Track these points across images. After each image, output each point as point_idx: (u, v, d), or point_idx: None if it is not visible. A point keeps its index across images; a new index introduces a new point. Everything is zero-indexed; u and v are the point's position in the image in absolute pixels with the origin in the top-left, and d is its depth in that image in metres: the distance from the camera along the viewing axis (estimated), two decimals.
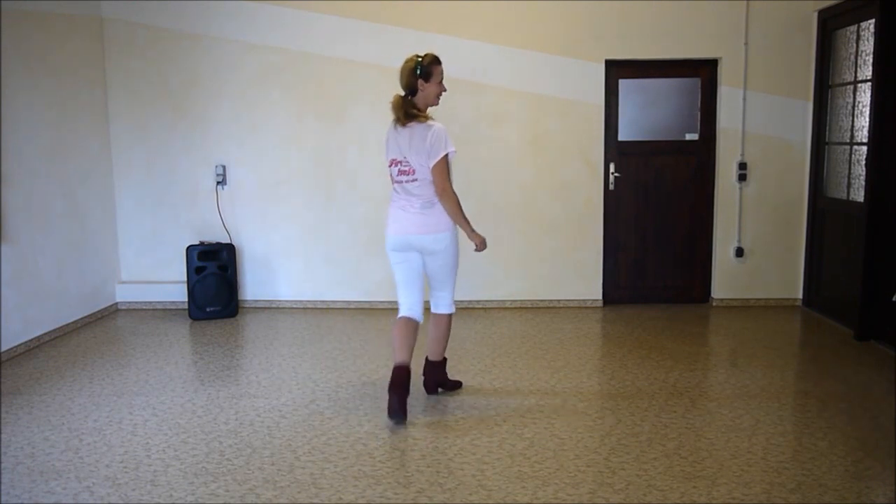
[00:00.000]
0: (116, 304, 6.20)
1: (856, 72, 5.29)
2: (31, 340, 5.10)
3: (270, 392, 4.18)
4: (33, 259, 5.13)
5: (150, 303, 6.22)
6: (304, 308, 6.18)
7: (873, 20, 4.95)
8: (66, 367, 4.69)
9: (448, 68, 3.96)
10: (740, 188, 5.97)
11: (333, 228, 6.10)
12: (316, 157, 6.04)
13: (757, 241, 6.02)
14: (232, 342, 5.26)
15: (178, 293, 6.14)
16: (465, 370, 4.49)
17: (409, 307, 3.88)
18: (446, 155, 3.67)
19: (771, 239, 6.02)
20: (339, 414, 3.84)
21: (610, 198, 6.06)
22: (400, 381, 3.72)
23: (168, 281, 6.21)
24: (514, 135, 5.95)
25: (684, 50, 5.83)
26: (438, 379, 4.10)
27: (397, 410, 3.68)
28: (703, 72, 5.95)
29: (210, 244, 5.90)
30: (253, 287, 6.21)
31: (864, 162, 5.08)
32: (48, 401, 4.08)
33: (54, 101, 5.39)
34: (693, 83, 6.00)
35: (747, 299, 6.08)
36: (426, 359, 4.10)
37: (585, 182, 5.98)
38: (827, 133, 5.70)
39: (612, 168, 6.03)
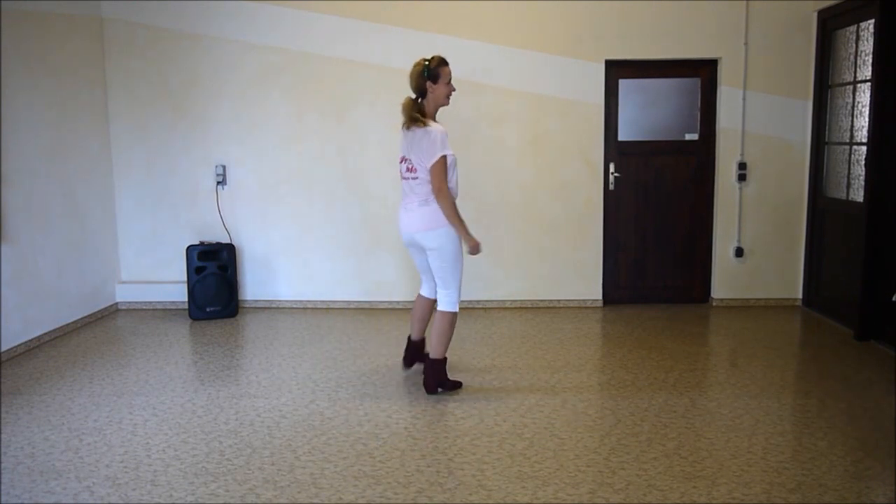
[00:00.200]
0: (116, 304, 6.20)
1: (855, 72, 5.29)
2: (31, 340, 5.10)
3: (270, 392, 4.18)
4: (33, 259, 5.13)
5: (150, 303, 6.22)
6: (304, 308, 6.18)
7: (873, 20, 4.96)
8: (66, 367, 4.69)
9: None
10: (740, 188, 5.97)
11: (333, 228, 6.10)
12: (316, 157, 6.04)
13: (757, 241, 6.02)
14: (232, 342, 5.26)
15: (178, 293, 6.15)
16: (465, 370, 4.50)
17: (424, 287, 4.31)
18: (444, 157, 3.82)
19: (771, 239, 6.02)
20: (339, 414, 3.85)
21: (610, 198, 6.06)
22: (407, 352, 4.44)
23: (168, 281, 6.21)
24: (514, 135, 5.95)
25: (684, 50, 5.84)
26: (417, 359, 4.44)
27: (405, 367, 4.48)
28: (703, 72, 5.95)
29: (210, 244, 5.91)
30: (253, 287, 6.21)
31: (863, 162, 5.08)
32: (48, 401, 4.08)
33: (54, 101, 5.39)
34: (693, 83, 6.00)
35: (747, 299, 6.08)
36: (410, 338, 4.45)
37: (585, 182, 5.98)
38: (827, 133, 5.70)
39: (612, 168, 6.03)
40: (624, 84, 5.98)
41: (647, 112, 6.09)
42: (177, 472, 3.21)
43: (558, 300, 6.12)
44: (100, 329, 5.61)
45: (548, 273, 6.09)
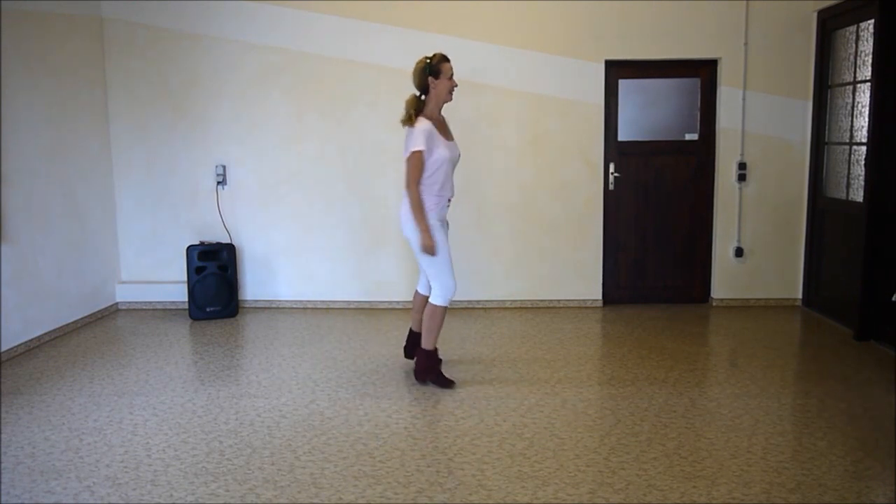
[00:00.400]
0: (116, 304, 6.20)
1: (855, 72, 5.29)
2: (31, 340, 5.10)
3: (270, 392, 4.18)
4: (33, 259, 5.13)
5: (150, 303, 6.22)
6: (304, 308, 6.18)
7: (873, 20, 4.96)
8: (66, 367, 4.69)
9: None
10: (740, 188, 5.97)
11: (333, 228, 6.10)
12: (316, 157, 6.04)
13: (757, 241, 6.02)
14: (232, 342, 5.26)
15: (178, 293, 6.15)
16: (465, 370, 4.50)
17: (420, 283, 4.43)
18: (416, 153, 3.97)
19: (771, 239, 6.02)
20: (339, 414, 3.85)
21: (610, 198, 6.06)
22: (408, 343, 4.57)
23: (168, 281, 6.21)
24: (514, 135, 5.95)
25: (684, 50, 5.84)
26: (413, 350, 4.48)
27: (406, 357, 4.59)
28: (703, 72, 5.95)
29: (210, 244, 5.91)
30: (253, 287, 6.21)
31: (863, 162, 5.09)
32: (48, 401, 4.08)
33: (54, 101, 5.39)
34: (693, 83, 6.00)
35: (747, 299, 6.08)
36: (412, 329, 4.55)
37: (585, 182, 5.98)
38: (826, 133, 5.71)
39: (612, 168, 6.03)
40: (624, 84, 5.98)
41: (647, 112, 6.09)
42: (177, 472, 3.21)
43: (558, 300, 6.12)
44: (100, 329, 5.61)
45: (548, 273, 6.09)
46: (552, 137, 5.94)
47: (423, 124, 4.00)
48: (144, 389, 4.25)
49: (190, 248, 5.84)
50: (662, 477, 3.11)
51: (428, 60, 4.05)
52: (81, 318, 5.68)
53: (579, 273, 6.08)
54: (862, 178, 5.13)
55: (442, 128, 4.15)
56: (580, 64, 5.86)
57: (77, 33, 5.67)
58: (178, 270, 6.15)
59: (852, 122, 5.34)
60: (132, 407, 3.98)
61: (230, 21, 5.93)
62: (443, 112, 4.21)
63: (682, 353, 4.82)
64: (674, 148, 6.06)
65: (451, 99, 4.13)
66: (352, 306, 6.17)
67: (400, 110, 4.16)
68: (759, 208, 5.99)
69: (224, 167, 6.08)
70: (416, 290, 4.47)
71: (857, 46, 5.26)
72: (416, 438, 3.53)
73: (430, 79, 4.03)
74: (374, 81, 5.89)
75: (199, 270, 5.82)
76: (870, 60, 5.03)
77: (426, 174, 4.01)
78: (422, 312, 4.35)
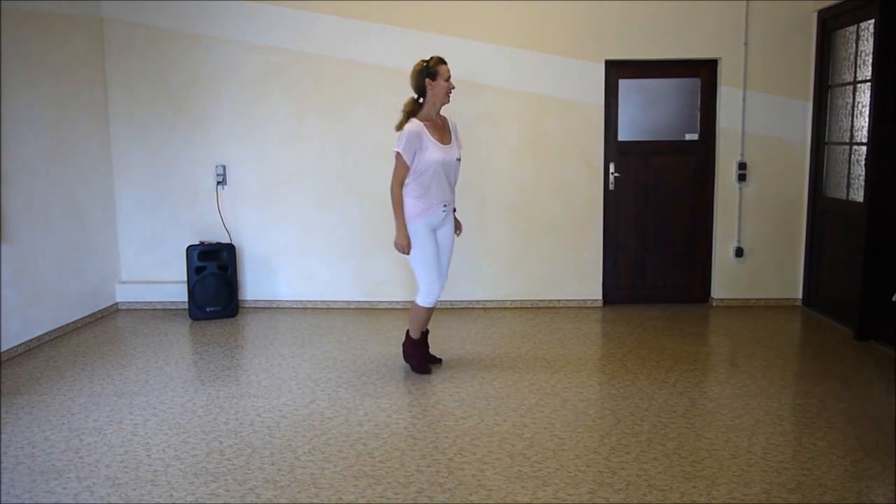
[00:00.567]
0: (116, 304, 6.20)
1: (855, 72, 5.29)
2: (31, 340, 5.10)
3: (270, 392, 4.18)
4: (33, 259, 5.13)
5: (150, 303, 6.22)
6: (304, 308, 6.18)
7: (873, 20, 4.96)
8: (66, 367, 4.69)
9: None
10: (740, 188, 5.97)
11: (333, 228, 6.10)
12: (316, 157, 6.04)
13: (757, 241, 6.02)
14: (232, 342, 5.26)
15: (178, 293, 6.15)
16: (465, 370, 4.50)
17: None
18: (397, 154, 4.09)
19: (771, 239, 6.02)
20: (339, 414, 3.85)
21: (610, 198, 6.06)
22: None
23: (168, 281, 6.21)
24: (514, 135, 5.95)
25: (684, 50, 5.84)
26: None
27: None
28: (703, 72, 5.95)
29: (210, 244, 5.91)
30: (253, 287, 6.21)
31: (863, 162, 5.08)
32: (48, 401, 4.08)
33: (54, 101, 5.39)
34: (693, 83, 6.00)
35: (747, 299, 6.08)
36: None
37: (585, 182, 5.98)
38: (827, 133, 5.70)
39: (612, 168, 6.03)
40: (624, 84, 5.97)
41: (647, 112, 6.09)
42: (177, 472, 3.21)
43: (558, 300, 6.12)
44: (100, 329, 5.61)
45: (548, 273, 6.09)
46: (552, 137, 5.94)
47: (410, 125, 4.07)
48: (144, 389, 4.25)
49: (190, 248, 5.84)
50: (662, 477, 3.11)
51: (425, 63, 4.12)
52: (81, 318, 5.68)
53: (579, 273, 6.08)
54: (862, 178, 5.13)
55: (439, 130, 4.16)
56: (580, 64, 5.86)
57: (77, 33, 5.66)
58: (178, 270, 6.15)
59: (852, 122, 5.34)
60: (132, 407, 3.98)
61: (230, 21, 5.93)
62: (443, 114, 4.23)
63: (682, 353, 4.82)
64: (674, 148, 6.06)
65: (448, 101, 4.17)
66: (352, 306, 6.17)
67: (400, 111, 4.19)
68: (759, 208, 5.98)
69: (224, 167, 6.08)
70: None
71: (857, 46, 5.26)
72: (416, 438, 3.53)
73: (426, 81, 4.10)
74: (374, 81, 5.89)
75: (199, 270, 5.82)
76: (870, 60, 5.03)
77: (412, 177, 4.10)
78: (415, 321, 4.42)
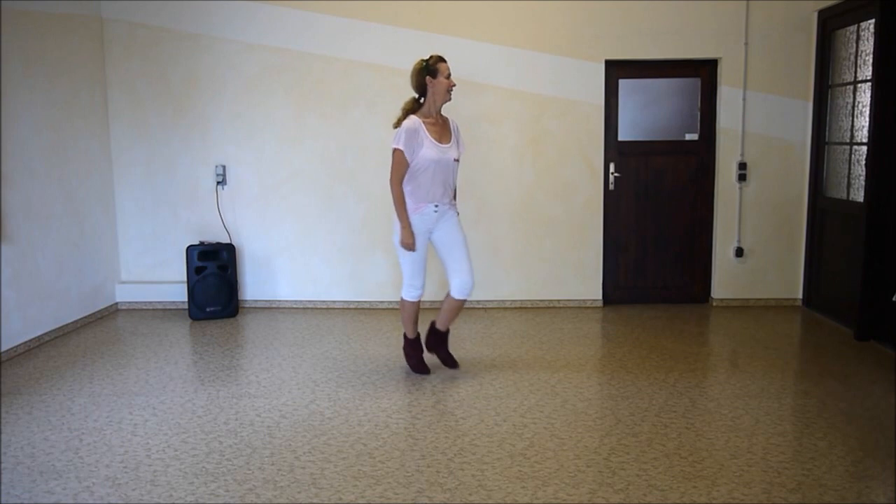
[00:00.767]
0: (116, 304, 6.20)
1: (856, 72, 5.29)
2: (31, 340, 5.10)
3: (270, 392, 4.18)
4: (33, 259, 5.13)
5: (150, 303, 6.22)
6: (304, 308, 6.18)
7: (873, 20, 4.96)
8: (66, 367, 4.69)
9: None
10: (740, 188, 5.97)
11: (333, 228, 6.10)
12: (316, 157, 6.04)
13: (757, 241, 6.02)
14: (232, 342, 5.26)
15: (178, 293, 6.15)
16: (466, 370, 4.50)
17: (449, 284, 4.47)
18: (394, 150, 4.07)
19: (771, 239, 6.02)
20: (339, 414, 3.85)
21: (610, 198, 6.06)
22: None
23: (168, 281, 6.21)
24: (514, 135, 5.95)
25: (684, 50, 5.84)
26: (435, 345, 4.59)
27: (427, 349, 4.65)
28: (703, 72, 5.95)
29: (210, 244, 5.91)
30: (253, 287, 6.21)
31: (864, 162, 5.08)
32: (48, 401, 4.08)
33: (54, 101, 5.39)
34: (693, 83, 6.00)
35: (747, 299, 6.08)
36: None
37: (585, 182, 5.98)
38: (827, 133, 5.70)
39: (612, 168, 6.03)
40: (624, 84, 5.97)
41: (647, 112, 6.09)
42: (177, 472, 3.21)
43: (558, 300, 6.12)
44: (100, 329, 5.61)
45: (548, 273, 6.09)
46: (552, 137, 5.94)
47: (407, 122, 4.05)
48: (144, 389, 4.25)
49: (190, 248, 5.84)
50: (662, 477, 3.11)
51: (424, 62, 4.13)
52: (81, 318, 5.68)
53: (579, 273, 6.08)
54: (862, 178, 5.13)
55: (439, 129, 4.14)
56: (580, 64, 5.86)
57: (77, 33, 5.66)
58: (178, 270, 6.15)
59: (853, 122, 5.34)
60: (132, 407, 3.98)
61: (230, 21, 5.93)
62: (445, 114, 4.21)
63: (682, 353, 4.82)
64: (674, 148, 6.06)
65: (449, 98, 4.17)
66: (352, 306, 6.17)
67: (400, 109, 4.19)
68: (759, 208, 5.98)
69: (224, 167, 6.08)
70: (447, 293, 4.40)
71: (857, 46, 5.26)
72: (416, 438, 3.53)
73: (427, 78, 4.10)
74: (374, 81, 5.89)
75: (199, 270, 5.82)
76: (870, 60, 5.03)
77: (407, 176, 4.10)
78: (447, 310, 4.39)
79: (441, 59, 4.14)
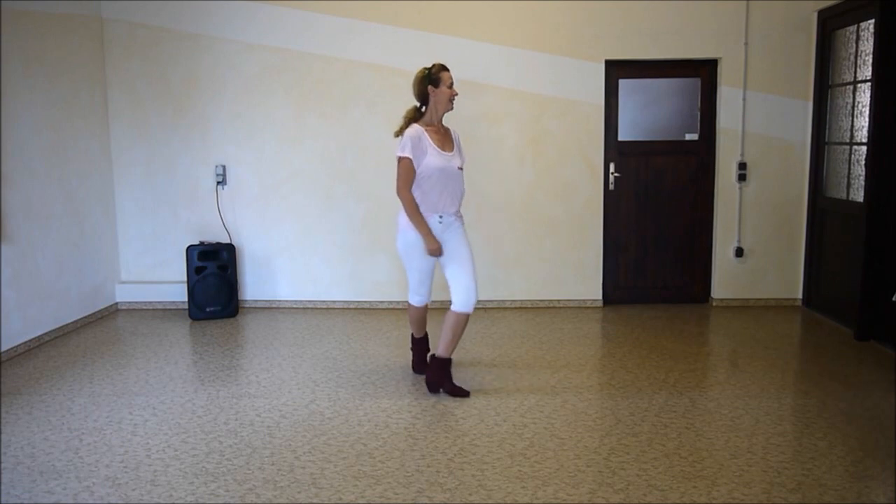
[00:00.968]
0: (116, 304, 6.20)
1: (856, 72, 5.29)
2: (31, 340, 5.10)
3: (270, 392, 4.18)
4: (33, 259, 5.13)
5: (150, 303, 6.22)
6: (304, 308, 6.18)
7: (873, 20, 4.96)
8: (66, 367, 4.69)
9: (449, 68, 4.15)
10: (740, 188, 5.97)
11: (333, 228, 6.10)
12: (316, 157, 6.04)
13: (757, 241, 6.02)
14: (232, 342, 5.26)
15: (178, 293, 6.15)
16: (466, 370, 4.49)
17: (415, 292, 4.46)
18: (399, 159, 3.96)
19: (771, 239, 6.02)
20: (339, 414, 3.85)
21: (610, 198, 6.06)
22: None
23: (168, 281, 6.21)
24: (514, 135, 5.95)
25: (684, 50, 5.84)
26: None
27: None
28: (703, 72, 5.95)
29: (210, 244, 5.91)
30: (253, 287, 6.21)
31: (863, 162, 5.08)
32: (48, 401, 4.08)
33: (54, 101, 5.39)
34: (693, 83, 6.00)
35: (747, 299, 6.08)
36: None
37: (585, 182, 5.98)
38: (827, 133, 5.70)
39: (612, 168, 6.03)
40: (624, 84, 5.98)
41: (647, 112, 6.09)
42: (177, 472, 3.21)
43: (558, 300, 6.12)
44: (100, 329, 5.61)
45: (548, 273, 6.09)
46: (552, 137, 5.94)
47: (410, 130, 3.97)
48: (144, 389, 4.25)
49: (190, 248, 5.84)
50: (662, 477, 3.11)
51: (427, 70, 4.04)
52: (81, 318, 5.68)
53: (579, 273, 6.08)
54: (862, 178, 5.13)
55: (441, 138, 4.04)
56: (580, 64, 5.86)
57: (77, 33, 5.66)
58: (178, 270, 6.15)
59: (852, 122, 5.34)
60: (132, 407, 3.98)
61: (230, 21, 5.93)
62: (446, 124, 4.13)
63: (682, 353, 4.82)
64: (674, 148, 6.06)
65: (451, 108, 4.08)
66: (352, 306, 6.17)
67: (400, 111, 4.17)
68: (759, 208, 5.98)
69: (224, 167, 6.08)
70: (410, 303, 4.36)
71: (857, 46, 5.26)
72: (416, 438, 3.53)
73: (429, 87, 4.01)
74: (374, 81, 5.89)
75: (199, 270, 5.82)
76: (870, 60, 5.03)
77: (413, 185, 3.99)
78: (449, 328, 4.10)
79: (444, 69, 4.04)
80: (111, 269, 6.14)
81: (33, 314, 5.13)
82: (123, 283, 6.23)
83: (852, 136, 5.35)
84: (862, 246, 4.98)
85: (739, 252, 6.01)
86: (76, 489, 3.07)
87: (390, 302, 6.15)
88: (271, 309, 6.16)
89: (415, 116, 4.08)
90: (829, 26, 5.61)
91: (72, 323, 5.56)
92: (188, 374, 4.54)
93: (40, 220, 5.21)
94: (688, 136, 6.05)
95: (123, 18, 5.97)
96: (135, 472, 3.20)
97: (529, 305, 6.11)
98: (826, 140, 5.71)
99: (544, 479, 3.11)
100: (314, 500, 2.95)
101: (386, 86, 5.86)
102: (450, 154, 4.04)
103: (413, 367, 4.51)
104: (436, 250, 3.99)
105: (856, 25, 5.26)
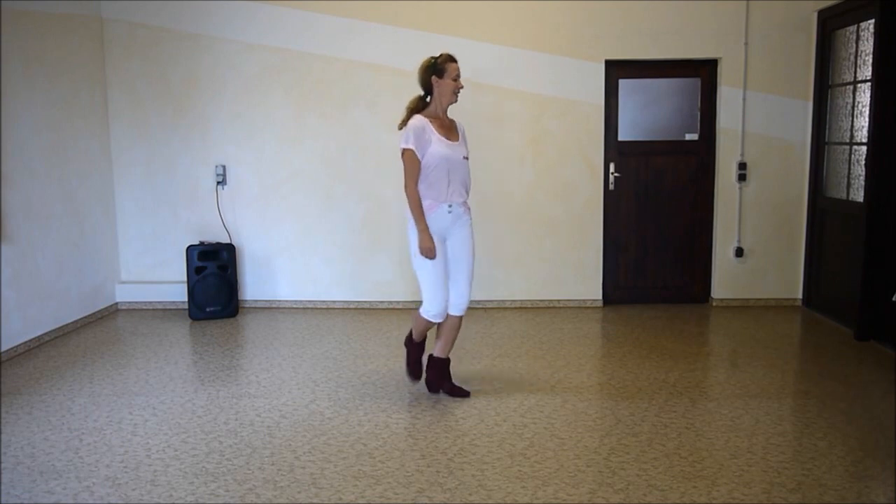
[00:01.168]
0: (116, 304, 6.20)
1: (856, 72, 5.29)
2: (31, 340, 5.10)
3: (270, 392, 4.18)
4: (33, 259, 5.13)
5: (150, 303, 6.22)
6: (304, 308, 6.18)
7: (873, 20, 4.96)
8: (66, 367, 4.69)
9: None
10: (740, 188, 5.97)
11: (333, 228, 6.10)
12: (316, 157, 6.04)
13: (757, 241, 6.02)
14: (232, 342, 5.26)
15: (178, 293, 6.15)
16: (466, 370, 4.49)
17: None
18: (403, 151, 3.82)
19: (771, 239, 6.02)
20: (339, 414, 3.85)
21: (610, 198, 6.06)
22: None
23: (168, 281, 6.21)
24: (514, 135, 5.95)
25: (684, 50, 5.84)
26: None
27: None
28: (703, 72, 5.95)
29: (210, 244, 5.90)
30: (253, 287, 6.21)
31: (863, 162, 5.08)
32: (48, 401, 4.08)
33: (54, 101, 5.39)
34: (693, 83, 6.00)
35: (747, 299, 6.08)
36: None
37: (585, 182, 5.98)
38: (827, 133, 5.70)
39: (612, 168, 6.03)
40: (624, 84, 5.97)
41: (647, 112, 6.09)
42: (177, 472, 3.21)
43: (558, 300, 6.12)
44: (100, 329, 5.61)
45: (548, 273, 6.09)
46: (552, 137, 5.94)
47: (413, 120, 3.85)
48: (144, 389, 4.25)
49: (190, 248, 5.84)
50: (662, 477, 3.11)
51: (433, 59, 3.91)
52: (81, 318, 5.68)
53: (579, 273, 6.08)
54: (862, 178, 5.13)
55: (446, 128, 3.94)
56: (580, 64, 5.86)
57: (77, 33, 5.66)
58: (178, 270, 6.15)
59: (852, 122, 5.34)
60: (132, 407, 3.97)
61: (230, 21, 5.93)
62: (451, 116, 4.05)
63: (682, 353, 4.82)
64: (674, 148, 6.05)
65: (455, 100, 3.94)
66: (352, 306, 6.17)
67: (400, 111, 4.11)
68: (759, 208, 5.98)
69: (224, 167, 6.08)
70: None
71: (857, 46, 5.26)
72: (416, 438, 3.53)
73: (433, 77, 3.88)
74: (374, 81, 5.89)
75: (199, 270, 5.82)
76: (870, 60, 5.03)
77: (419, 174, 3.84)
78: (445, 331, 4.07)
79: (451, 59, 3.91)
80: (111, 269, 6.14)
81: (33, 314, 5.13)
82: (123, 283, 6.23)
83: (852, 136, 5.35)
84: (862, 246, 4.98)
85: (739, 252, 6.01)
86: (76, 489, 3.07)
87: (390, 302, 6.15)
88: (271, 309, 6.16)
89: (418, 106, 3.93)
90: (829, 26, 5.61)
91: (72, 323, 5.56)
92: (188, 374, 4.54)
93: (40, 220, 5.21)
94: (688, 136, 6.05)
95: (123, 18, 5.97)
96: (135, 472, 3.20)
97: (529, 305, 6.11)
98: (826, 140, 5.71)
99: (544, 479, 3.11)
100: (314, 500, 2.95)
101: (386, 86, 5.86)
102: (455, 143, 3.93)
103: (408, 370, 4.23)
104: (428, 251, 3.81)
105: (856, 25, 5.26)
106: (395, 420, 3.76)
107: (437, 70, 3.88)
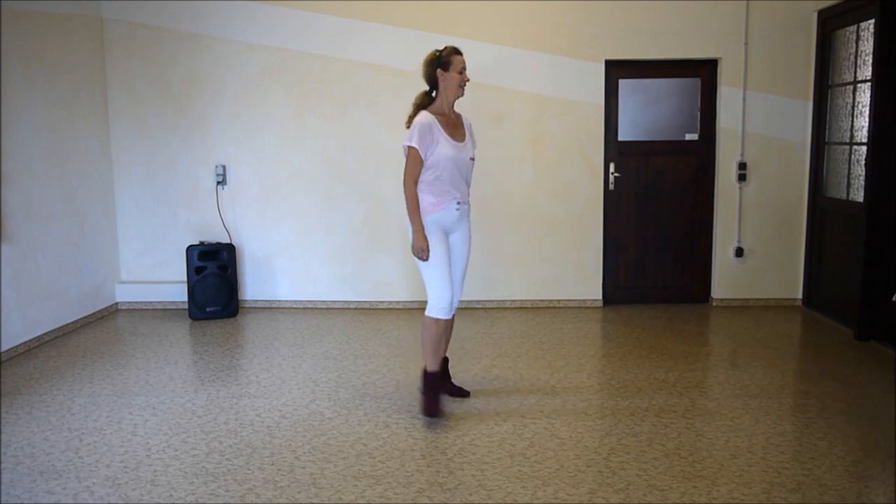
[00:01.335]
0: (116, 304, 6.20)
1: (855, 72, 5.29)
2: (31, 340, 5.10)
3: (270, 392, 4.18)
4: (33, 259, 5.13)
5: (150, 303, 6.22)
6: (304, 308, 6.18)
7: (873, 20, 4.96)
8: (66, 367, 4.69)
9: None
10: (740, 188, 5.97)
11: (333, 228, 6.10)
12: (316, 157, 6.04)
13: (757, 241, 6.02)
14: (232, 342, 5.26)
15: (178, 293, 6.15)
16: (466, 370, 4.49)
17: None
18: (406, 148, 3.72)
19: (771, 239, 6.02)
20: (339, 414, 3.85)
21: (610, 198, 6.06)
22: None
23: (168, 281, 6.21)
24: (514, 135, 5.95)
25: (684, 50, 5.84)
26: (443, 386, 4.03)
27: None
28: (703, 72, 5.95)
29: (210, 244, 5.90)
30: (253, 287, 6.21)
31: (863, 162, 5.08)
32: (48, 401, 4.08)
33: (54, 101, 5.39)
34: (693, 83, 6.00)
35: (747, 299, 6.08)
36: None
37: (585, 182, 5.98)
38: (827, 133, 5.70)
39: (612, 168, 6.03)
40: (624, 84, 5.97)
41: (647, 112, 6.09)
42: (177, 472, 3.21)
43: (558, 300, 6.12)
44: (100, 329, 5.61)
45: (548, 273, 6.09)
46: (552, 137, 5.94)
47: (420, 117, 3.73)
48: (144, 389, 4.25)
49: (190, 248, 5.84)
50: (662, 477, 3.11)
51: (438, 52, 3.80)
52: (81, 318, 5.68)
53: (579, 273, 6.08)
54: (862, 178, 5.13)
55: (452, 126, 3.84)
56: (580, 64, 5.86)
57: (77, 33, 5.66)
58: (178, 270, 6.15)
59: (852, 122, 5.34)
60: (132, 407, 3.98)
61: (230, 21, 5.93)
62: (458, 111, 3.94)
63: (682, 353, 4.82)
64: (674, 148, 6.05)
65: (462, 94, 3.83)
66: (352, 306, 6.17)
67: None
68: (759, 208, 5.98)
69: (224, 167, 6.08)
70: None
71: (857, 46, 5.26)
72: (415, 438, 3.53)
73: (438, 71, 3.76)
74: (374, 81, 5.89)
75: (199, 270, 5.82)
76: (870, 60, 5.03)
77: (424, 172, 3.75)
78: (448, 333, 3.95)
79: (456, 51, 3.80)
80: (111, 269, 6.14)
81: (33, 314, 5.13)
82: (123, 283, 6.23)
83: (852, 136, 5.35)
84: (862, 246, 4.98)
85: (739, 252, 6.01)
86: (76, 489, 3.07)
87: (390, 302, 6.15)
88: (271, 309, 6.16)
89: (424, 102, 3.82)
90: (829, 26, 5.61)
91: (72, 323, 5.56)
92: (188, 374, 4.54)
93: (40, 220, 5.21)
94: (688, 136, 6.05)
95: (123, 18, 5.97)
96: (135, 472, 3.20)
97: (529, 305, 6.11)
98: (826, 140, 5.71)
99: (544, 479, 3.11)
100: (314, 500, 2.95)
101: (386, 86, 5.86)
102: (461, 144, 3.83)
103: (427, 410, 3.81)
104: (422, 250, 3.70)
105: (856, 25, 5.26)
106: (395, 420, 3.76)
107: (442, 63, 3.77)
